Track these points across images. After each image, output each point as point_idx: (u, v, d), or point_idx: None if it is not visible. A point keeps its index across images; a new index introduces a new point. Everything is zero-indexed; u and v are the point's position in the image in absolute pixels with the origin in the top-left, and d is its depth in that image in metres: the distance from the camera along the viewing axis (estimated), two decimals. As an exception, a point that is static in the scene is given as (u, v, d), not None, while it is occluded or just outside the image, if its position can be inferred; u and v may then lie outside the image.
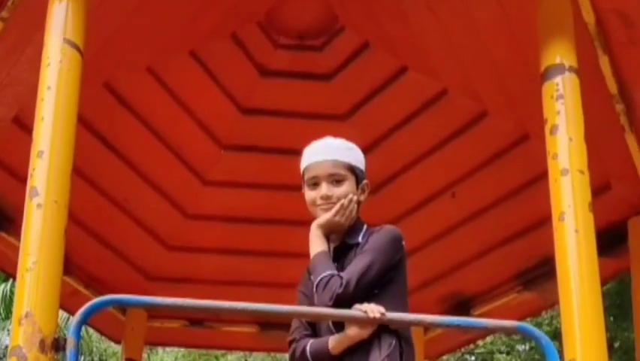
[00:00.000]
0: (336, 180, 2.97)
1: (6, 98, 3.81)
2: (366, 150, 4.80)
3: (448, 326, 2.91)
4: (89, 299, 4.78)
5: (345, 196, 2.95)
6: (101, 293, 4.96)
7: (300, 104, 4.73)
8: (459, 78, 4.27)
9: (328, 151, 3.04)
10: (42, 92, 2.78)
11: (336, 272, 2.77)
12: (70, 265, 4.77)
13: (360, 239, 2.92)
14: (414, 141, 4.75)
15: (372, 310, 2.62)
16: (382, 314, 2.61)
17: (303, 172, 3.05)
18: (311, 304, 2.83)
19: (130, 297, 2.80)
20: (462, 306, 5.30)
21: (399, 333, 2.77)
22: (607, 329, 9.15)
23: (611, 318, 10.85)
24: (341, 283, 2.73)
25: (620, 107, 3.69)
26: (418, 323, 3.01)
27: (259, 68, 4.62)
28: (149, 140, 4.60)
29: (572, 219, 2.96)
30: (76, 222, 4.65)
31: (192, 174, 4.91)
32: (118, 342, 5.68)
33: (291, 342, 2.91)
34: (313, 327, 2.89)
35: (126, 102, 4.40)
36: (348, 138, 4.81)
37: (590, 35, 3.38)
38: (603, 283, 6.40)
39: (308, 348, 2.83)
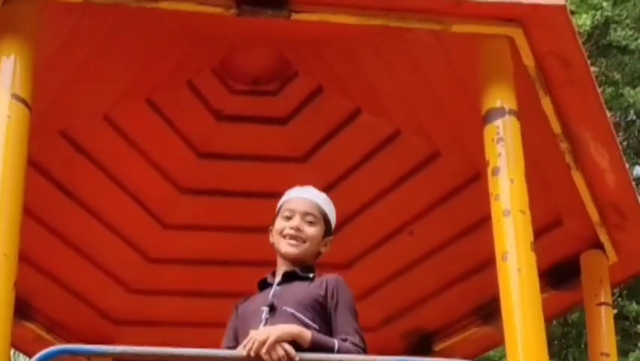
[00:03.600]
0: (310, 221, 3.21)
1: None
2: (323, 191, 4.93)
3: (397, 366, 3.00)
4: (51, 344, 4.82)
5: (313, 238, 3.16)
6: (64, 338, 5.00)
7: (256, 148, 4.80)
8: (410, 119, 4.36)
9: (311, 194, 3.33)
10: (-10, 148, 2.84)
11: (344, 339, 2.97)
12: (31, 311, 4.81)
13: (310, 276, 3.14)
14: (371, 181, 4.83)
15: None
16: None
17: (280, 206, 3.29)
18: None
19: (80, 346, 2.87)
20: (424, 341, 5.37)
21: None
22: (574, 358, 9.17)
23: (582, 346, 10.92)
24: (357, 347, 2.96)
25: (564, 145, 3.79)
26: (368, 364, 3.08)
27: (215, 114, 4.69)
28: (108, 186, 4.65)
29: (515, 259, 3.06)
30: (37, 269, 4.70)
31: (152, 218, 4.95)
32: (85, 388, 5.68)
33: None
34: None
35: (84, 150, 4.45)
36: (306, 179, 4.92)
37: (531, 77, 3.48)
38: (558, 316, 6.51)
39: None
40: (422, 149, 4.54)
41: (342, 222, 5.11)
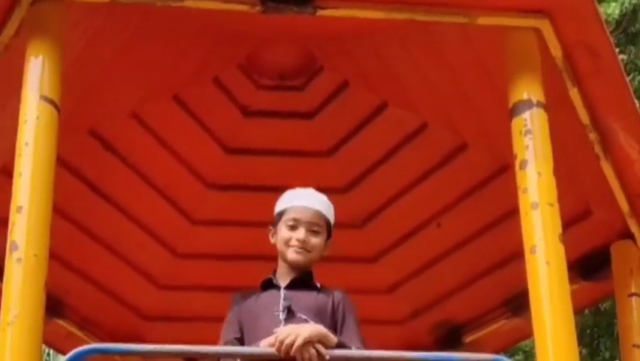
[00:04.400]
0: (314, 231, 3.25)
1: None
2: (350, 185, 4.97)
3: (422, 361, 3.03)
4: (83, 341, 4.89)
5: (317, 247, 3.23)
6: (95, 335, 5.04)
7: (283, 143, 4.81)
8: (437, 112, 4.35)
9: (314, 201, 3.31)
10: (20, 149, 2.88)
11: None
12: (63, 309, 4.85)
13: (318, 285, 3.24)
14: (398, 174, 4.82)
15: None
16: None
17: (282, 212, 3.32)
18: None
19: (111, 345, 2.90)
20: (454, 334, 5.36)
21: None
22: (606, 348, 9.11)
23: (614, 335, 10.86)
24: None
25: (593, 135, 3.76)
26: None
27: (242, 109, 4.70)
28: (137, 183, 4.68)
29: (543, 252, 3.05)
30: (69, 268, 4.75)
31: (180, 214, 4.98)
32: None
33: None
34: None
35: (112, 147, 4.49)
36: (333, 174, 4.94)
37: (559, 68, 3.46)
38: (589, 306, 6.45)
39: None
40: (449, 142, 4.53)
41: (369, 216, 5.14)
